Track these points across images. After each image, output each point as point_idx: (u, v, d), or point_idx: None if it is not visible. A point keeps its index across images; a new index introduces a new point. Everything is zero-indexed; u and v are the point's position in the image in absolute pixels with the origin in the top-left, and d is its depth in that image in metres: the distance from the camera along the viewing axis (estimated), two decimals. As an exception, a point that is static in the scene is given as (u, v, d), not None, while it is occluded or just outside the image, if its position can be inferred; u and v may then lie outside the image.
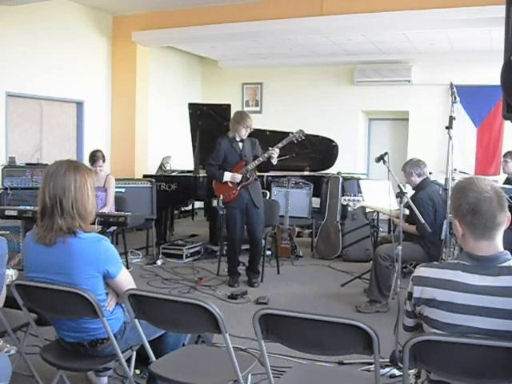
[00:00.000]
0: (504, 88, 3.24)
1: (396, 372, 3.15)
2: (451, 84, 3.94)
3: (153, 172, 7.74)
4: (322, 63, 9.68)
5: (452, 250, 4.21)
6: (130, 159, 8.58)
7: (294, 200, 6.88)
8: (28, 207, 4.62)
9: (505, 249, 1.81)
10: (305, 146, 7.33)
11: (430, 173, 4.87)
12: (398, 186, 3.96)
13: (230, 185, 5.27)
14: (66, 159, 2.43)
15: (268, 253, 6.33)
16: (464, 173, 5.94)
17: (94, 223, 3.42)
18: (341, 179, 6.96)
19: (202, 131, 7.00)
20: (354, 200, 4.72)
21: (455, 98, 3.90)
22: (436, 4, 6.27)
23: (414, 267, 4.64)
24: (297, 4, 7.17)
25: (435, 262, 1.95)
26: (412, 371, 1.97)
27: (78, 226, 2.30)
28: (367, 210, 6.16)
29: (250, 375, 2.28)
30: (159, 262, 6.24)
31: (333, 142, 7.74)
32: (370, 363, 3.07)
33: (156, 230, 6.73)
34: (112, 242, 2.51)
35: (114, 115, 8.76)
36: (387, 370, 3.18)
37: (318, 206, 7.42)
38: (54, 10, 7.45)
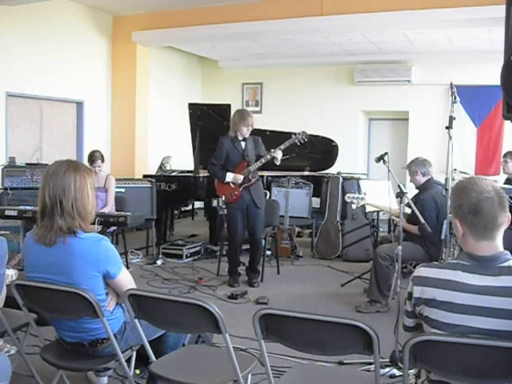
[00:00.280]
0: (504, 88, 3.24)
1: (396, 372, 3.15)
2: (451, 84, 3.94)
3: (153, 172, 7.74)
4: (322, 63, 9.68)
5: (452, 249, 4.21)
6: (130, 159, 8.58)
7: (294, 200, 6.88)
8: (28, 207, 4.61)
9: (505, 249, 1.81)
10: (305, 146, 7.28)
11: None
12: (398, 186, 3.96)
13: (231, 185, 5.26)
14: (65, 159, 2.43)
15: (268, 253, 6.33)
16: (464, 173, 5.94)
17: (93, 223, 3.42)
18: (341, 179, 6.95)
19: (202, 131, 7.00)
20: (358, 197, 4.72)
21: (455, 98, 3.90)
22: (436, 4, 6.27)
23: (414, 267, 4.64)
24: (297, 4, 7.17)
25: (435, 262, 1.95)
26: (412, 371, 1.97)
27: (78, 225, 2.30)
28: (367, 209, 6.16)
29: (250, 375, 2.28)
30: (159, 262, 6.24)
31: (333, 142, 7.74)
32: (370, 363, 3.07)
33: (156, 230, 6.73)
34: (112, 242, 2.51)
35: (114, 115, 8.76)
36: (387, 370, 3.18)
37: (318, 206, 7.42)
38: (53, 10, 7.45)
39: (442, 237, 4.24)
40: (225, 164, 5.28)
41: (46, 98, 7.62)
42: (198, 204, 9.31)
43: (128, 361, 2.42)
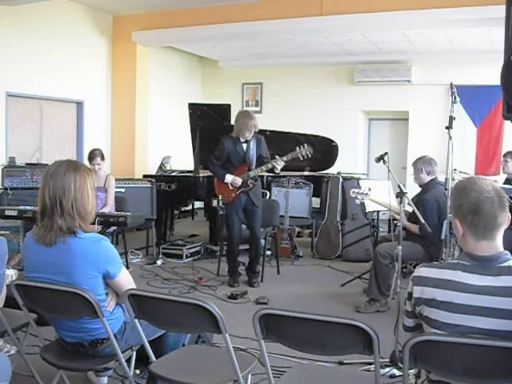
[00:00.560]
0: (504, 88, 3.24)
1: (396, 372, 3.15)
2: (451, 84, 3.94)
3: (153, 172, 7.74)
4: (322, 63, 9.68)
5: (452, 249, 4.21)
6: (130, 159, 8.58)
7: (294, 200, 6.88)
8: (28, 207, 4.61)
9: (505, 249, 1.81)
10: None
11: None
12: (398, 186, 3.96)
13: (230, 187, 5.26)
14: (65, 159, 2.43)
15: (268, 253, 6.33)
16: (464, 173, 5.94)
17: (93, 223, 3.42)
18: (341, 179, 6.95)
19: (202, 131, 7.00)
20: (362, 193, 4.71)
21: (455, 97, 3.90)
22: (436, 4, 6.26)
23: (414, 267, 4.64)
24: (297, 4, 7.16)
25: (435, 262, 1.95)
26: (412, 371, 1.97)
27: (77, 225, 2.30)
28: (367, 209, 6.15)
29: (250, 375, 2.28)
30: (159, 262, 6.24)
31: (333, 142, 7.74)
32: (370, 363, 3.07)
33: (156, 230, 6.73)
34: (112, 242, 2.51)
35: (114, 115, 8.76)
36: (387, 369, 3.18)
37: (318, 206, 7.42)
38: (53, 10, 7.45)
39: (442, 237, 4.24)
40: (225, 164, 5.27)
41: (46, 98, 7.62)
42: (198, 204, 9.31)
43: (128, 361, 2.42)
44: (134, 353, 2.47)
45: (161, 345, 2.57)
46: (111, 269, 2.33)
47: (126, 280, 2.39)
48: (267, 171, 5.40)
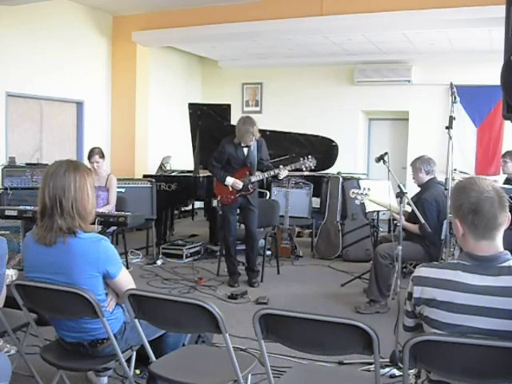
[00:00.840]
0: (504, 88, 3.24)
1: (396, 372, 3.15)
2: (451, 84, 3.94)
3: (153, 172, 7.74)
4: (322, 63, 9.68)
5: (452, 249, 4.21)
6: (130, 159, 8.58)
7: (294, 200, 6.88)
8: (28, 207, 4.62)
9: (505, 249, 1.81)
10: (305, 146, 7.34)
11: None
12: (398, 186, 3.95)
13: (229, 189, 5.26)
14: (65, 159, 2.43)
15: (268, 253, 6.33)
16: (464, 173, 5.94)
17: (93, 223, 3.42)
18: (341, 179, 6.95)
19: (201, 131, 7.00)
20: (362, 193, 4.71)
21: (455, 98, 3.90)
22: (436, 4, 6.26)
23: (414, 267, 4.63)
24: (297, 4, 7.16)
25: (435, 262, 1.95)
26: (412, 371, 1.97)
27: (77, 225, 2.30)
28: (367, 210, 6.15)
29: (250, 375, 2.29)
30: (159, 262, 6.24)
31: (333, 142, 7.73)
32: (370, 363, 3.07)
33: (156, 230, 6.73)
34: (112, 242, 2.51)
35: (114, 115, 8.76)
36: (387, 369, 3.18)
37: (318, 206, 7.42)
38: (53, 10, 7.44)
39: (442, 237, 4.24)
40: (225, 166, 5.27)
41: (46, 98, 7.62)
42: (198, 204, 9.30)
43: (128, 361, 2.42)
44: (134, 353, 2.47)
45: (161, 345, 2.57)
46: (111, 269, 2.33)
47: (125, 280, 2.39)
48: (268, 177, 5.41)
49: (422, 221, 4.18)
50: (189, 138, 7.38)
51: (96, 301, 2.21)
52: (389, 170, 4.14)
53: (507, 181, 5.84)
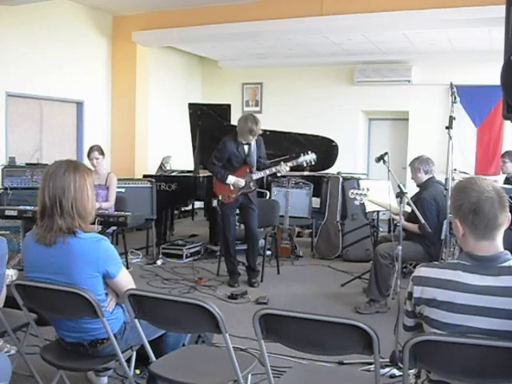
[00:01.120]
0: (504, 88, 3.24)
1: (396, 372, 3.15)
2: (451, 84, 3.94)
3: (153, 172, 7.74)
4: (322, 63, 9.68)
5: (452, 249, 4.21)
6: (130, 159, 8.58)
7: (294, 200, 6.88)
8: (28, 207, 4.62)
9: (505, 249, 1.81)
10: (305, 146, 7.32)
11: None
12: (398, 186, 3.95)
13: (231, 187, 5.26)
14: (65, 159, 2.43)
15: (268, 253, 6.33)
16: (464, 173, 5.94)
17: (93, 223, 3.42)
18: (341, 179, 6.95)
19: (202, 131, 7.00)
20: (361, 194, 4.71)
21: (455, 97, 3.90)
22: (436, 4, 6.26)
23: (414, 267, 4.64)
24: (297, 4, 7.16)
25: (435, 262, 1.95)
26: (412, 371, 1.97)
27: (77, 225, 2.30)
28: (367, 209, 6.15)
29: (250, 375, 2.28)
30: (159, 262, 6.24)
31: (333, 142, 7.74)
32: (370, 363, 3.07)
33: (156, 230, 6.73)
34: (112, 242, 2.51)
35: (114, 115, 8.76)
36: (387, 369, 3.18)
37: (318, 206, 7.42)
38: (54, 10, 7.44)
39: (442, 237, 4.24)
40: (225, 165, 5.27)
41: (46, 98, 7.62)
42: (198, 204, 9.30)
43: (128, 361, 2.42)
44: (134, 353, 2.47)
45: (161, 345, 2.57)
46: (111, 269, 2.33)
47: (125, 280, 2.39)
48: (269, 175, 5.41)
49: (422, 221, 4.18)
50: (189, 138, 7.38)
51: (96, 301, 2.21)
52: (389, 170, 4.14)
53: (507, 180, 5.84)
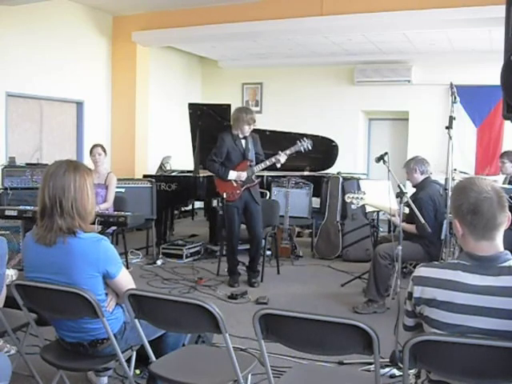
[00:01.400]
0: (504, 88, 3.24)
1: (396, 372, 3.15)
2: (451, 84, 3.94)
3: (153, 172, 7.74)
4: (322, 63, 9.68)
5: (452, 249, 4.21)
6: (130, 159, 8.58)
7: (294, 200, 6.88)
8: (28, 207, 4.62)
9: (505, 249, 1.81)
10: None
11: (430, 173, 4.86)
12: (398, 186, 3.96)
13: (234, 184, 5.25)
14: (65, 159, 2.43)
15: (268, 253, 6.33)
16: (464, 173, 5.94)
17: (93, 223, 3.42)
18: (341, 179, 6.95)
19: (201, 131, 7.00)
20: (357, 197, 4.71)
21: (455, 97, 3.90)
22: (436, 4, 6.26)
23: (414, 267, 4.63)
24: (297, 4, 7.16)
25: (435, 262, 1.95)
26: (412, 371, 1.97)
27: (77, 225, 2.30)
28: (367, 210, 6.16)
29: (250, 375, 2.28)
30: (159, 262, 6.24)
31: (333, 142, 7.74)
32: (370, 363, 3.07)
33: (156, 230, 6.73)
34: (112, 242, 2.51)
35: (114, 115, 8.76)
36: (387, 369, 3.18)
37: (318, 206, 7.42)
38: (54, 10, 7.45)
39: (442, 237, 4.24)
40: (225, 162, 5.26)
41: (46, 98, 7.62)
42: (198, 204, 9.31)
43: (128, 361, 2.42)
44: (134, 353, 2.47)
45: (161, 345, 2.57)
46: (111, 269, 2.33)
47: (125, 280, 2.39)
48: (270, 165, 5.38)
49: (422, 221, 4.18)
50: (189, 138, 7.37)
51: (96, 301, 2.21)
52: (389, 170, 4.14)
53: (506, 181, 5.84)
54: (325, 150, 7.73)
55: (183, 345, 2.68)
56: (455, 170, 5.21)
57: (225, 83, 10.58)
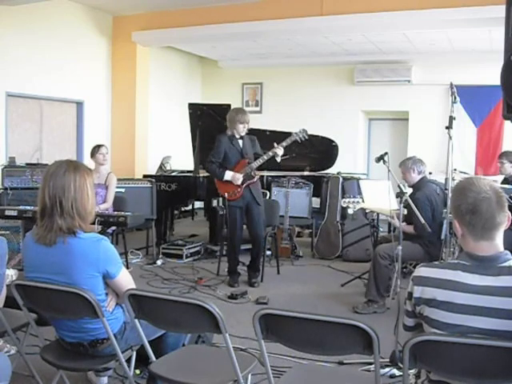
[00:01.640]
0: (504, 88, 3.24)
1: (396, 372, 3.15)
2: (451, 84, 3.93)
3: (153, 172, 7.74)
4: (322, 63, 9.68)
5: (452, 249, 4.21)
6: (130, 159, 8.59)
7: (294, 200, 6.88)
8: (28, 207, 4.62)
9: (505, 249, 1.81)
10: (305, 145, 7.32)
11: (430, 173, 4.86)
12: (398, 186, 3.96)
13: (234, 183, 5.25)
14: (65, 159, 2.43)
15: (268, 253, 6.33)
16: (464, 173, 5.94)
17: (93, 223, 3.42)
18: (341, 179, 6.95)
19: (202, 131, 7.00)
20: (353, 202, 4.71)
21: (455, 97, 3.89)
22: (436, 4, 6.27)
23: (414, 267, 4.63)
24: (297, 4, 7.17)
25: (435, 262, 1.95)
26: (412, 371, 1.97)
27: (77, 225, 2.30)
28: (367, 210, 6.16)
29: (249, 375, 2.28)
30: (159, 262, 6.24)
31: (333, 142, 7.74)
32: (370, 363, 3.07)
33: (156, 230, 6.73)
34: (112, 242, 2.51)
35: (114, 115, 8.76)
36: (387, 369, 3.18)
37: (318, 206, 7.42)
38: (54, 10, 7.45)
39: (442, 237, 4.24)
40: (223, 162, 5.26)
41: (46, 98, 7.62)
42: (198, 204, 9.30)
43: (128, 361, 2.42)
44: (134, 353, 2.47)
45: (161, 345, 2.57)
46: (111, 269, 2.33)
47: (125, 280, 2.39)
48: (268, 160, 5.36)
49: (422, 221, 4.18)
50: (189, 138, 7.38)
51: (96, 301, 2.22)
52: (389, 170, 4.14)
53: (505, 180, 5.83)
54: (325, 150, 7.73)
55: (183, 345, 2.68)
56: (455, 170, 5.21)
57: (225, 83, 10.58)
